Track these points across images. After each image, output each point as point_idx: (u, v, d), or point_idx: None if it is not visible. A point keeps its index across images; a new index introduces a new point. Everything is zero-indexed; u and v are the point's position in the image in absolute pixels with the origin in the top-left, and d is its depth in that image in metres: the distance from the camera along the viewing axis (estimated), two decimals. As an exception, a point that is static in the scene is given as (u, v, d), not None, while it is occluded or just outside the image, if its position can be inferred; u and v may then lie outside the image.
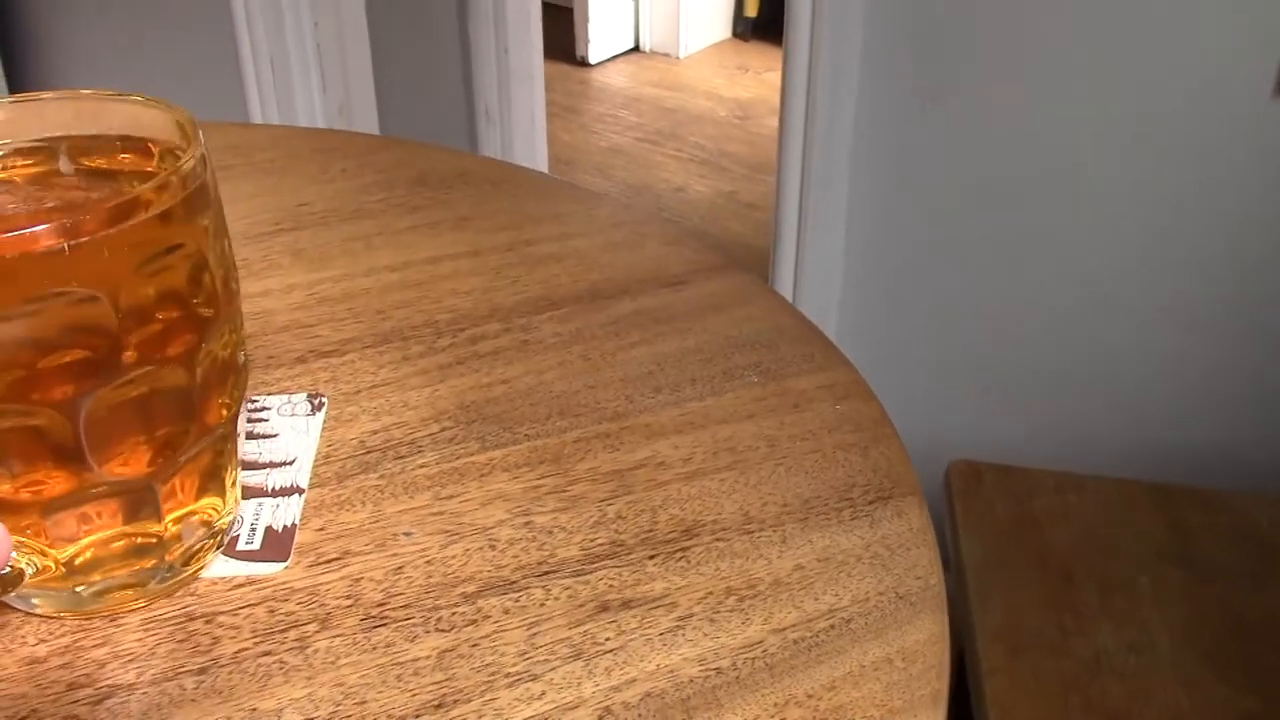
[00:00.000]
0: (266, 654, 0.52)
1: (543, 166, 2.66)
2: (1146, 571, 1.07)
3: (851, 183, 1.66)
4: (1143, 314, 1.48)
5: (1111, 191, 1.47)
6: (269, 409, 0.66)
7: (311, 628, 0.53)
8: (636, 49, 4.16)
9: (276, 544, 0.57)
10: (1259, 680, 0.98)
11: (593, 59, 4.04)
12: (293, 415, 0.66)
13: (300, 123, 2.29)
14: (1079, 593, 1.06)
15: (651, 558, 0.56)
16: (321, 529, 0.58)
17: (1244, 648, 1.00)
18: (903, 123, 1.59)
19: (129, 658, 0.51)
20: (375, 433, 0.64)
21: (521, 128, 2.62)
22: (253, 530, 0.58)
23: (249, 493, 0.60)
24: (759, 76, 4.04)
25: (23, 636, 0.52)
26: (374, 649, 0.52)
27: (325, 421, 0.65)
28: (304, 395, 0.67)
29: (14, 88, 2.51)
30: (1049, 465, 1.22)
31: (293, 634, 0.52)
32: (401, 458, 0.63)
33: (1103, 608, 1.04)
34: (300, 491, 0.60)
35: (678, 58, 4.15)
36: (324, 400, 0.67)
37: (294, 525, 0.58)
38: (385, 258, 0.81)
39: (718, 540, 0.57)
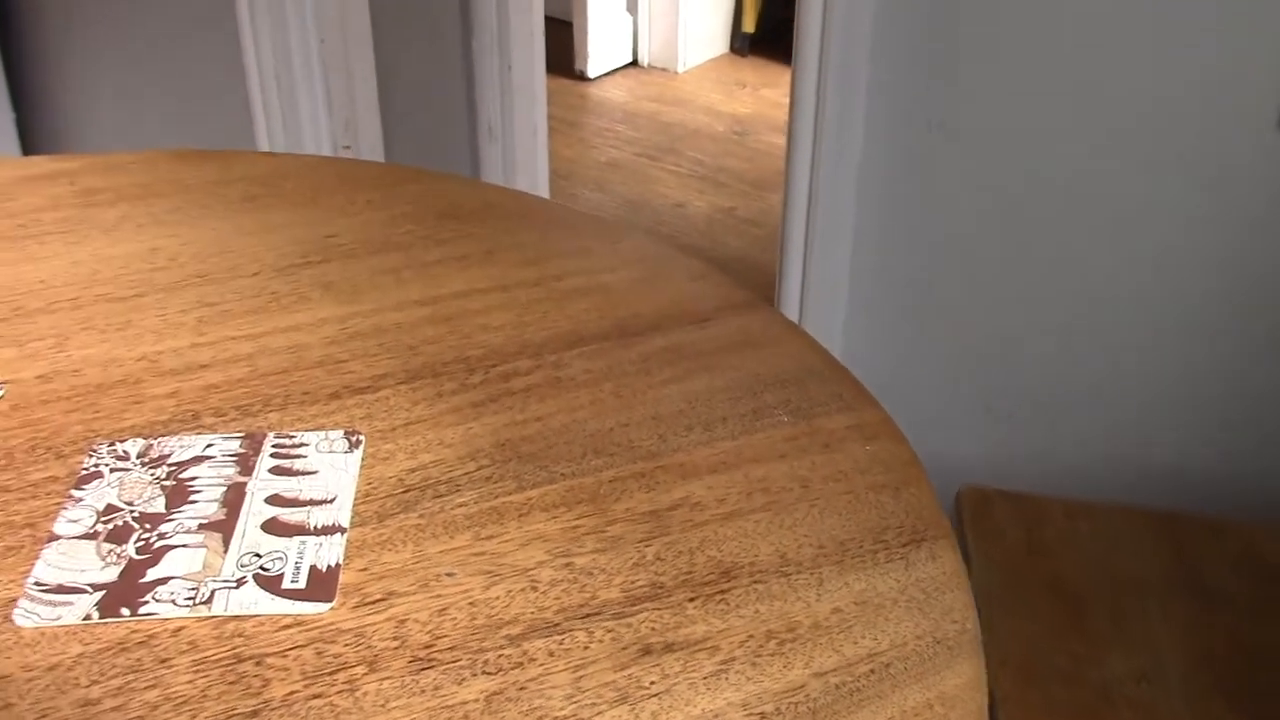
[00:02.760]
0: (317, 696, 0.52)
1: (544, 182, 2.67)
2: (1156, 600, 1.08)
3: (859, 203, 1.67)
4: (1151, 339, 1.50)
5: (1120, 216, 1.48)
6: (306, 445, 0.67)
7: (360, 670, 0.54)
8: (635, 63, 4.17)
9: (321, 584, 0.58)
10: (1269, 709, 0.99)
11: (591, 73, 4.05)
12: (330, 452, 0.66)
13: (305, 140, 2.30)
14: (1090, 621, 1.07)
15: (691, 600, 0.57)
16: (365, 569, 0.59)
17: (1254, 676, 1.01)
18: (911, 144, 1.60)
19: (181, 700, 0.52)
20: (413, 471, 0.65)
21: (524, 144, 2.63)
22: (297, 569, 0.59)
23: (290, 530, 0.61)
24: (757, 93, 4.05)
25: (75, 679, 0.53)
26: (423, 692, 0.53)
27: (363, 459, 0.66)
28: (340, 432, 0.68)
29: (23, 114, 2.51)
30: (1055, 489, 1.23)
31: (342, 676, 0.53)
32: (440, 496, 0.63)
33: (1114, 636, 1.05)
34: (342, 530, 0.61)
35: (676, 73, 4.17)
36: (361, 437, 0.68)
37: (338, 565, 0.59)
38: (415, 291, 0.81)
39: (756, 582, 0.58)
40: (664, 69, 4.15)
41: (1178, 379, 1.48)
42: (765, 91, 4.02)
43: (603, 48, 4.05)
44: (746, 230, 3.17)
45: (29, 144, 2.50)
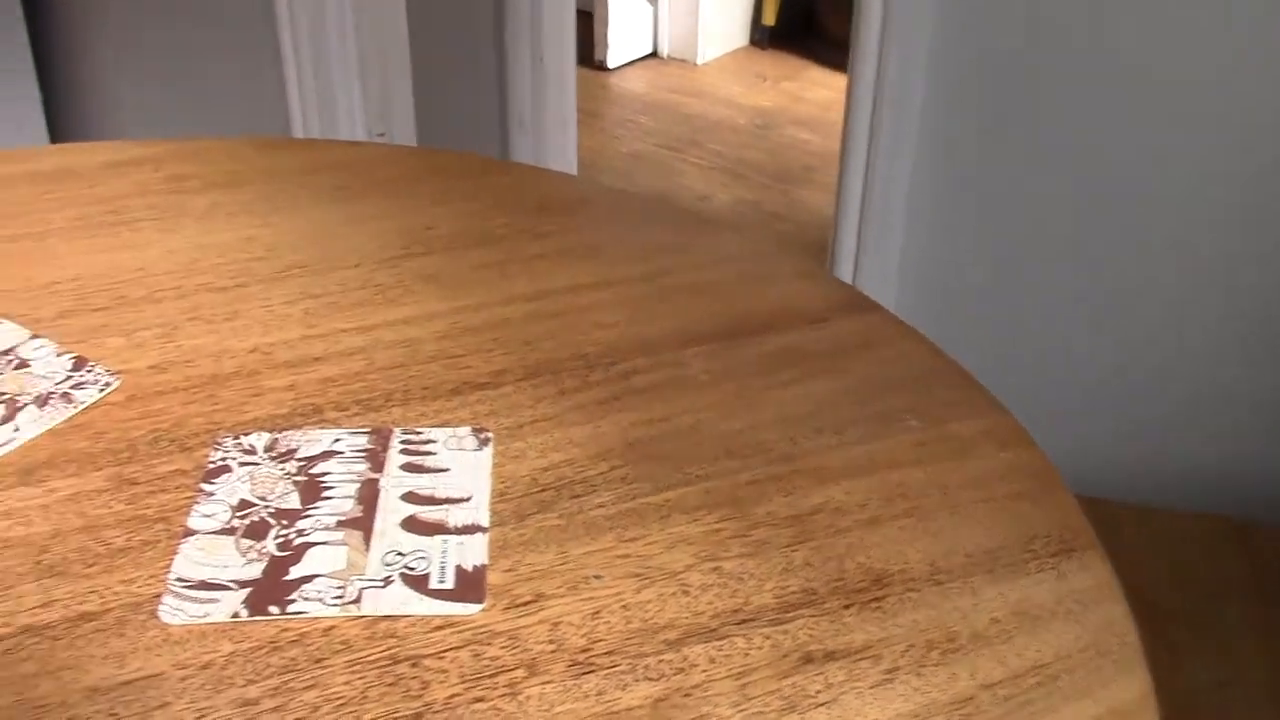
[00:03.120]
0: (479, 700, 0.52)
1: (573, 173, 2.65)
2: (1234, 606, 1.08)
3: (910, 201, 1.67)
4: (1216, 344, 1.50)
5: (1180, 218, 1.48)
6: (435, 441, 0.66)
7: (520, 673, 0.53)
8: (655, 54, 4.15)
9: (470, 584, 0.57)
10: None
11: (611, 63, 4.03)
12: (460, 449, 0.65)
13: (340, 127, 2.28)
14: (1168, 628, 1.07)
15: (847, 607, 0.57)
16: (510, 570, 0.58)
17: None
18: (967, 143, 1.60)
19: (341, 701, 0.51)
20: (546, 470, 0.64)
21: (553, 135, 2.62)
22: (443, 568, 0.58)
23: (430, 528, 0.60)
24: (777, 86, 4.04)
25: (230, 678, 0.52)
26: (586, 697, 0.52)
27: (493, 457, 0.65)
28: (468, 429, 0.67)
29: (51, 102, 2.49)
30: (1120, 495, 1.23)
31: (502, 679, 0.52)
32: (577, 497, 0.63)
33: (1193, 643, 1.04)
34: (483, 530, 0.60)
35: (695, 64, 4.15)
36: (489, 435, 0.67)
37: (483, 565, 0.58)
38: (521, 286, 0.81)
39: (909, 591, 0.58)
40: (683, 60, 4.13)
41: (1241, 387, 1.47)
42: (786, 85, 4.01)
43: (623, 38, 4.03)
44: (771, 224, 3.17)
45: (56, 129, 2.49)
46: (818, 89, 4.06)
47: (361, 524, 0.60)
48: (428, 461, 0.65)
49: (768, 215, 3.24)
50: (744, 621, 0.56)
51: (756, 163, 3.55)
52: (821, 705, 0.52)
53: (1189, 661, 1.03)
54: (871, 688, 0.52)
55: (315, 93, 2.24)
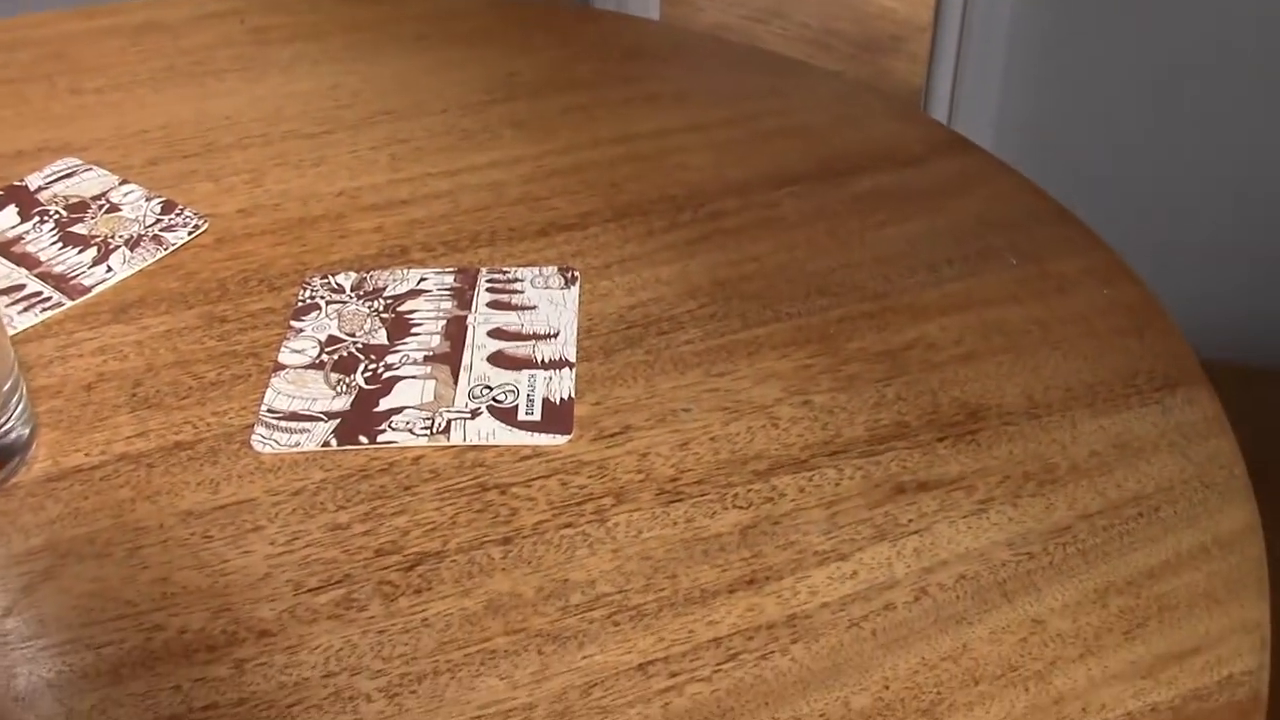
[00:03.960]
0: (568, 526, 0.51)
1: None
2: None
3: (1006, 60, 1.61)
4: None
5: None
6: (521, 280, 0.65)
7: (608, 501, 0.53)
8: (742, -77, 4.05)
9: (556, 416, 0.57)
10: None
11: (697, -67, 3.94)
12: (547, 288, 0.65)
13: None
14: (1271, 491, 1.04)
15: (940, 440, 0.55)
16: (598, 403, 0.58)
17: None
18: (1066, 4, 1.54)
19: (430, 526, 0.51)
20: (633, 308, 0.64)
21: (635, 3, 2.57)
22: (530, 401, 0.58)
23: (517, 364, 0.60)
24: (868, -47, 3.92)
25: (321, 503, 0.53)
26: (675, 524, 0.51)
27: (580, 295, 0.64)
28: (554, 268, 0.66)
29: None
30: (1227, 356, 1.20)
31: (589, 507, 0.52)
32: (665, 334, 0.62)
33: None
34: (570, 365, 0.60)
35: (784, -67, 4.04)
36: (576, 273, 0.66)
37: (571, 398, 0.58)
38: (608, 130, 0.79)
39: (1005, 424, 0.56)
40: (773, -71, 4.03)
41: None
42: (878, -48, 3.88)
43: (710, -94, 3.93)
44: (884, 94, 3.09)
45: None
46: (910, -46, 3.93)
47: (449, 359, 0.60)
48: (514, 299, 0.64)
49: (876, 87, 3.17)
50: (834, 453, 0.55)
51: (842, 32, 3.47)
52: (913, 534, 0.51)
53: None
54: (964, 517, 0.51)
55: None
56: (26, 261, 0.67)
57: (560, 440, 0.56)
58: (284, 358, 0.60)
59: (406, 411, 0.57)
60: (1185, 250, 1.57)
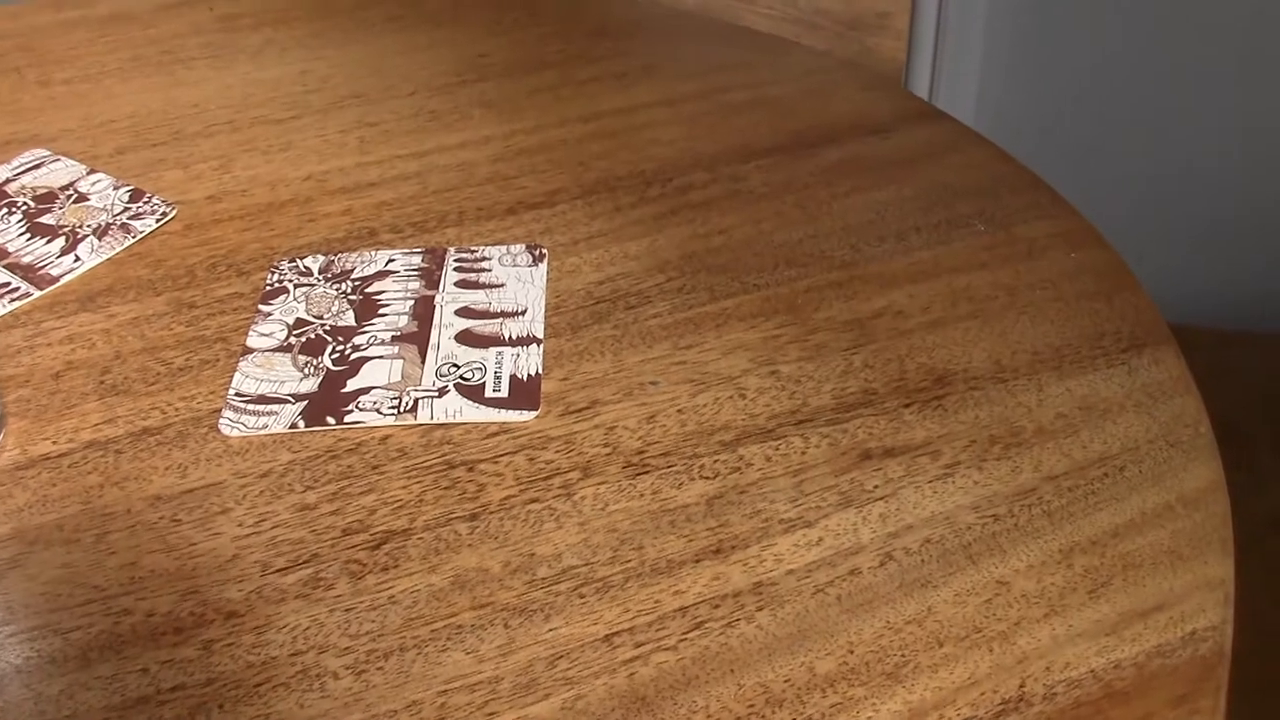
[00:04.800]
0: (534, 501, 0.51)
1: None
2: (1322, 430, 1.05)
3: (986, 33, 1.61)
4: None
5: (1269, 40, 1.41)
6: (489, 259, 0.65)
7: (574, 475, 0.53)
8: (725, -97, 4.04)
9: (524, 392, 0.57)
10: None
11: (681, -86, 3.93)
12: (515, 265, 0.65)
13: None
14: (1250, 451, 1.04)
15: (907, 405, 0.55)
16: (565, 379, 0.58)
17: None
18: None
19: (398, 504, 0.52)
20: (601, 283, 0.63)
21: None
22: (497, 378, 0.58)
23: (485, 341, 0.60)
24: (852, -70, 3.91)
25: (289, 484, 0.53)
26: (641, 496, 0.51)
27: (548, 272, 0.64)
28: (522, 246, 0.66)
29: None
30: (1204, 321, 1.20)
31: (556, 481, 0.52)
32: (632, 308, 0.62)
33: (1275, 467, 1.02)
34: (538, 341, 0.60)
35: (767, -88, 4.04)
36: (544, 251, 0.66)
37: (538, 374, 0.58)
38: (576, 108, 0.79)
39: (972, 389, 0.56)
40: (755, -92, 4.02)
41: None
42: (861, -71, 3.88)
43: (692, -113, 3.93)
44: (854, 65, 3.09)
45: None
46: (895, -70, 3.92)
47: (417, 338, 0.60)
48: (482, 278, 0.64)
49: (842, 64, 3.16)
50: (801, 422, 0.55)
51: (828, 10, 3.46)
52: (879, 499, 0.51)
53: (1272, 485, 1.00)
54: (930, 481, 0.52)
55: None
56: (-6, 253, 0.67)
57: (527, 416, 0.56)
58: (252, 341, 0.60)
59: (374, 392, 0.57)
60: (1165, 217, 1.57)
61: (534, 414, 0.56)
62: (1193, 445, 0.53)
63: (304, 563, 0.49)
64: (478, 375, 0.58)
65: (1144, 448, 0.53)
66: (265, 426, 0.55)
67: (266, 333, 0.61)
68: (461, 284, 0.63)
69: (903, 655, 0.44)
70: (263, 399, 0.57)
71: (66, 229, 0.69)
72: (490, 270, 0.64)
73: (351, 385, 0.57)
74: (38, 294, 0.64)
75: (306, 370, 0.58)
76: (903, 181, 0.70)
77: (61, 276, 0.65)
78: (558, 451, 0.54)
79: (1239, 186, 1.48)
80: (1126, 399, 0.55)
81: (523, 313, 0.61)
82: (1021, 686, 0.43)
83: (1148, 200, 1.56)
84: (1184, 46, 1.45)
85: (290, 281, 0.64)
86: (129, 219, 0.69)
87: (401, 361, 0.59)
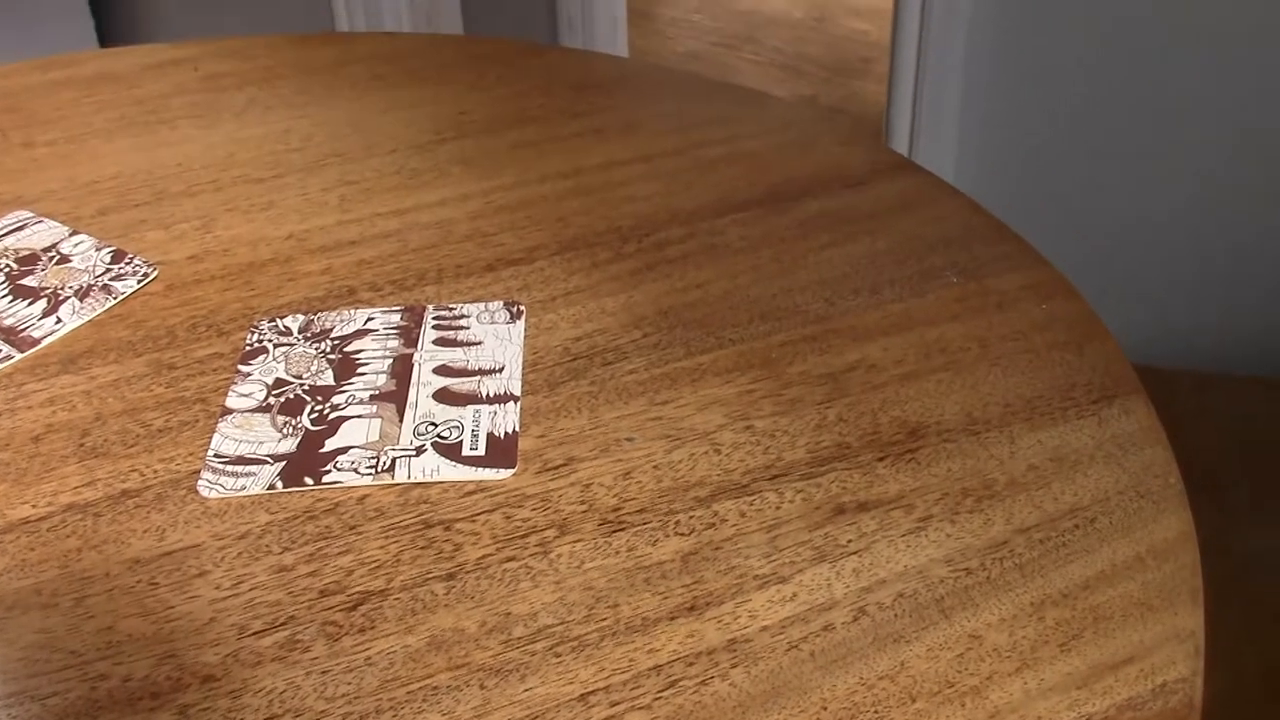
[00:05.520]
0: (511, 559, 0.52)
1: (630, 73, 2.62)
2: (1301, 471, 1.06)
3: (965, 78, 1.63)
4: (1271, 214, 1.45)
5: (1246, 84, 1.43)
6: (468, 316, 0.66)
7: (551, 533, 0.53)
8: (710, -49, 4.07)
9: (501, 450, 0.57)
10: None
11: (665, -37, 3.96)
12: (493, 323, 0.65)
13: (386, 29, 2.27)
14: (1226, 493, 1.05)
15: (880, 459, 0.56)
16: (542, 436, 0.58)
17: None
18: (1019, 13, 1.55)
19: (375, 564, 0.52)
20: (578, 340, 0.64)
21: (604, 34, 2.59)
22: (474, 436, 0.58)
23: (463, 399, 0.60)
24: (835, -24, 3.95)
25: (267, 545, 0.53)
26: (617, 553, 0.52)
27: (526, 329, 0.65)
28: (500, 303, 0.67)
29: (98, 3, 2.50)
30: (1182, 364, 1.21)
31: (533, 539, 0.53)
32: (609, 364, 0.62)
33: (1251, 508, 1.02)
34: (515, 399, 0.60)
35: (751, -41, 4.07)
36: (522, 308, 0.66)
37: (515, 432, 0.58)
38: (556, 164, 0.80)
39: (945, 441, 0.57)
40: (740, -44, 4.06)
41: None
42: (845, -25, 3.91)
43: (677, -65, 3.96)
44: (830, 119, 3.11)
45: (104, 33, 2.50)
46: (877, -23, 3.97)
47: (395, 397, 0.61)
48: (460, 335, 0.65)
49: (826, 110, 3.19)
50: (775, 477, 0.55)
51: (814, 56, 3.49)
52: (853, 554, 0.51)
53: (1247, 527, 1.01)
54: (903, 535, 0.52)
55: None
56: (-24, 316, 0.67)
57: (504, 474, 0.56)
58: (231, 402, 0.61)
59: (352, 451, 0.57)
60: (1144, 261, 1.58)
61: (511, 472, 0.56)
62: (1162, 496, 0.53)
63: (281, 625, 0.49)
64: (455, 434, 0.58)
65: (1114, 499, 0.53)
66: (243, 488, 0.56)
67: (246, 393, 0.61)
68: (440, 342, 0.64)
69: (876, 711, 0.45)
70: (241, 460, 0.57)
71: (48, 291, 0.69)
72: (468, 328, 0.65)
73: (330, 445, 0.58)
74: (19, 356, 0.64)
75: (285, 430, 0.59)
76: (877, 234, 0.71)
77: (43, 338, 0.66)
78: (534, 509, 0.54)
79: (1219, 231, 1.50)
80: (1097, 450, 0.56)
81: (500, 370, 0.62)
82: (992, 742, 0.43)
83: (1131, 240, 1.58)
84: (1161, 91, 1.47)
85: (270, 341, 0.65)
86: (111, 280, 0.70)
87: (380, 420, 0.59)
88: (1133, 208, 1.58)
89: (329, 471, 0.56)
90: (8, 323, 0.67)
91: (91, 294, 0.69)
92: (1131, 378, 0.60)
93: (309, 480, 0.56)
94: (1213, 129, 1.48)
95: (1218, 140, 1.48)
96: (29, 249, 0.73)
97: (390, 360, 0.63)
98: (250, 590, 0.51)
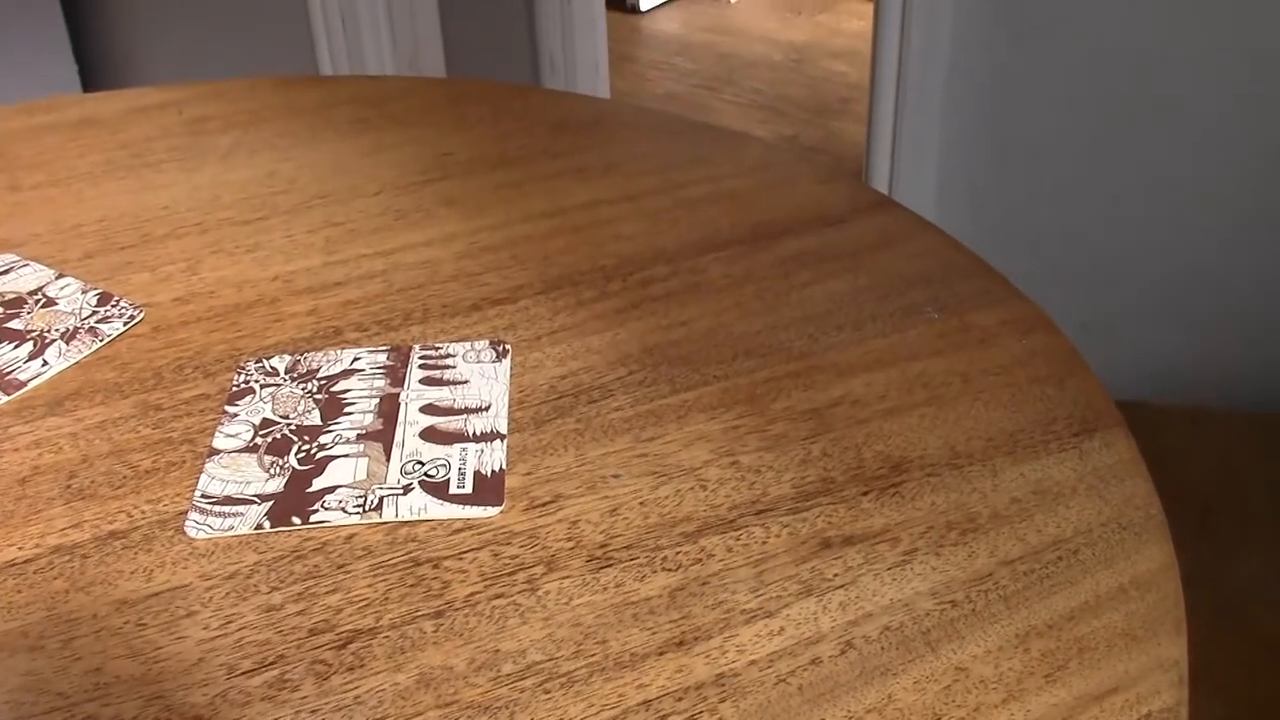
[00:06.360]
0: (499, 596, 0.52)
1: (610, 115, 2.64)
2: (1284, 504, 1.07)
3: (944, 118, 1.64)
4: (1267, 243, 1.47)
5: (1220, 123, 1.45)
6: (454, 355, 0.66)
7: (539, 570, 0.53)
8: (688, -6, 4.11)
9: (487, 488, 0.57)
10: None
11: (643, 5, 4.00)
12: (479, 362, 0.66)
13: (369, 73, 2.28)
14: (1217, 528, 1.05)
15: (865, 493, 0.56)
16: (529, 473, 0.58)
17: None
18: (998, 53, 1.57)
19: (364, 603, 0.52)
20: (564, 378, 0.65)
21: (585, 77, 2.61)
22: (461, 474, 0.58)
23: (449, 438, 0.61)
24: (812, 19, 3.99)
25: (255, 585, 0.53)
26: (605, 589, 0.52)
27: (512, 367, 0.65)
28: (486, 342, 0.67)
29: (79, 43, 2.51)
30: (1170, 398, 1.22)
31: (521, 576, 0.53)
32: (595, 402, 0.63)
33: (1242, 543, 1.03)
34: (501, 437, 0.61)
35: (729, 2, 4.11)
36: (507, 346, 0.67)
37: (502, 470, 0.59)
38: (540, 204, 0.80)
39: (928, 475, 0.57)
40: (718, -2, 4.09)
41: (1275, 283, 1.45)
42: (821, 17, 3.96)
43: (656, -21, 4.00)
44: (811, 158, 3.14)
45: (87, 77, 2.51)
46: (852, 20, 4.02)
47: (382, 436, 0.61)
48: (447, 374, 0.65)
49: (806, 149, 3.21)
50: (761, 512, 0.56)
51: (793, 97, 3.52)
52: (839, 588, 0.52)
53: (1238, 560, 1.01)
54: (889, 569, 0.52)
55: (343, 40, 2.24)
56: (-38, 359, 0.67)
57: (492, 512, 0.56)
58: (218, 442, 0.61)
59: (339, 490, 0.58)
60: (1128, 296, 1.60)
61: (498, 509, 0.56)
62: (1144, 527, 0.54)
63: (270, 664, 0.49)
64: (442, 472, 0.58)
65: (1096, 530, 0.54)
66: (231, 528, 0.56)
67: (233, 433, 0.61)
68: (426, 381, 0.64)
69: (864, 744, 0.45)
70: (229, 500, 0.57)
71: (35, 334, 0.69)
72: (454, 367, 0.65)
73: (317, 484, 0.58)
74: (5, 399, 0.64)
75: (272, 470, 0.59)
76: (858, 271, 0.72)
77: (29, 381, 0.66)
78: (522, 546, 0.54)
79: (1209, 266, 1.51)
80: (1079, 482, 0.56)
81: (486, 408, 0.62)
82: (980, 773, 0.44)
83: (1115, 276, 1.59)
84: (1142, 126, 1.49)
85: (256, 382, 0.65)
86: (97, 322, 0.70)
87: (367, 459, 0.59)
88: (1115, 243, 1.59)
89: (316, 511, 0.57)
90: (-6, 365, 0.67)
91: (78, 336, 0.69)
92: (1112, 411, 0.61)
93: (296, 520, 0.56)
94: (1194, 166, 1.50)
95: (1199, 177, 1.50)
96: (15, 292, 0.73)
97: (377, 400, 0.63)
98: (239, 630, 0.51)
